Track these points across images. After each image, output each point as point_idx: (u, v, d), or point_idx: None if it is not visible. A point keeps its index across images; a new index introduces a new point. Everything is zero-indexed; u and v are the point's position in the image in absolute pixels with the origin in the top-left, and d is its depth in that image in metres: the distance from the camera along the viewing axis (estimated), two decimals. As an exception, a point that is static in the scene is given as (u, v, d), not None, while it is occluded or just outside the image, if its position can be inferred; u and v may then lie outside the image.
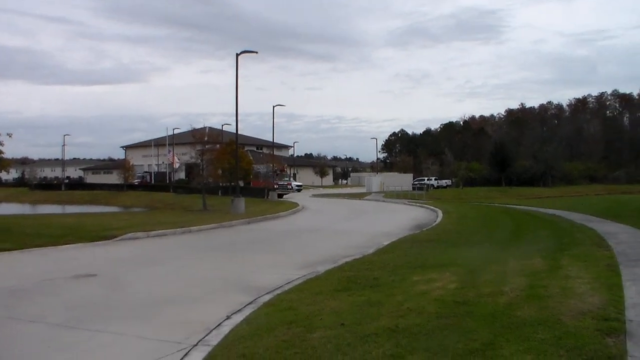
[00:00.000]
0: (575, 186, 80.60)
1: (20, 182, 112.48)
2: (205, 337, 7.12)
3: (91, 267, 13.05)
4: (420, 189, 66.38)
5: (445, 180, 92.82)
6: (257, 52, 34.92)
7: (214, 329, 7.55)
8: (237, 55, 33.75)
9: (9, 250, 15.52)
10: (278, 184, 65.73)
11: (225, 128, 64.54)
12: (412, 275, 11.03)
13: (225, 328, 7.53)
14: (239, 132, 37.89)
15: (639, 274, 10.67)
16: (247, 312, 8.48)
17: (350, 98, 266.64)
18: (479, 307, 8.19)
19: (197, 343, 6.86)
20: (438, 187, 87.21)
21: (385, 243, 17.17)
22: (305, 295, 9.50)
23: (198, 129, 46.18)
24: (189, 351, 6.54)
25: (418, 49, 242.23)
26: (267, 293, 9.91)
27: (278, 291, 10.08)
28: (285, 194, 65.91)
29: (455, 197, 60.02)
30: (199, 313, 8.57)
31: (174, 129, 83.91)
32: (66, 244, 17.27)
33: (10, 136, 26.39)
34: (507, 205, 40.98)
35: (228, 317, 8.19)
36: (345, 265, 12.92)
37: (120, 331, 7.56)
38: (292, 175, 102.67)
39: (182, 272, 13.18)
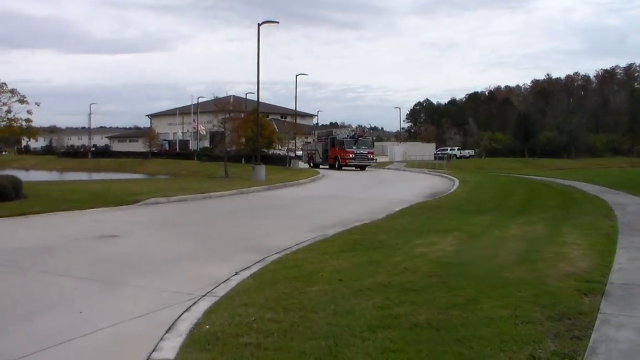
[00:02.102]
0: (599, 158, 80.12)
1: (48, 150, 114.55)
2: (214, 289, 7.80)
3: (114, 229, 13.81)
4: (441, 158, 66.46)
5: (468, 151, 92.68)
6: (278, 22, 35.44)
7: (222, 282, 8.23)
8: (259, 25, 34.24)
9: (38, 213, 16.30)
10: (355, 154, 52.56)
11: (249, 97, 65.21)
12: (415, 239, 11.61)
13: (233, 282, 8.21)
14: (263, 101, 38.53)
15: (635, 243, 11.14)
16: (255, 269, 9.14)
17: (376, 67, 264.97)
18: (470, 268, 8.77)
19: (206, 294, 7.55)
20: (461, 157, 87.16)
21: (397, 209, 17.74)
22: (311, 255, 10.14)
23: (221, 98, 46.71)
24: (197, 300, 7.23)
25: (444, 17, 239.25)
26: (276, 253, 10.55)
27: (287, 251, 10.71)
28: (367, 165, 54.79)
29: (476, 167, 60.27)
30: (210, 270, 9.25)
31: (198, 98, 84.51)
32: (91, 208, 18.00)
33: (38, 105, 27.15)
34: (526, 176, 41.26)
35: (237, 273, 8.86)
36: (354, 229, 13.53)
37: (138, 284, 8.29)
38: (303, 144, 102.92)
39: (199, 234, 13.91)
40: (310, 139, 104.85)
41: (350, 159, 52.85)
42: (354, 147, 52.93)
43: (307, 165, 58.75)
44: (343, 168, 52.58)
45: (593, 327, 5.85)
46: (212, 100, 46.71)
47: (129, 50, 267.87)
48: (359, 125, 61.36)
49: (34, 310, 6.92)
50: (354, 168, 53.07)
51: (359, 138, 54.28)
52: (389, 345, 5.30)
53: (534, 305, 6.52)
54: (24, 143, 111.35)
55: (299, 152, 76.78)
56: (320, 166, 55.10)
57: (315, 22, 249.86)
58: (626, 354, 5.17)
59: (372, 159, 55.43)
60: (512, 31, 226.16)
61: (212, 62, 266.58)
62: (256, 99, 39.52)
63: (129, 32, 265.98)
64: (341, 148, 53.13)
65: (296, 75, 61.31)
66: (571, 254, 9.66)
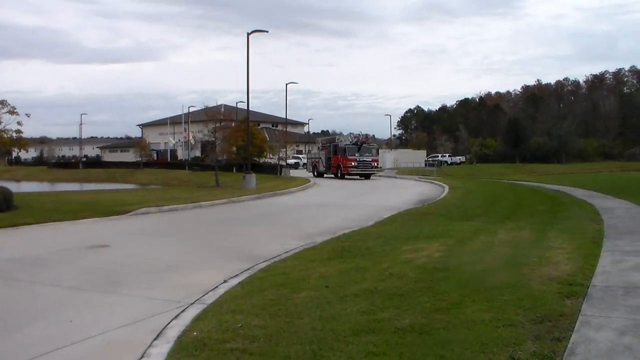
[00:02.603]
0: (589, 163, 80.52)
1: (39, 161, 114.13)
2: (202, 297, 7.94)
3: (105, 239, 13.91)
4: (432, 165, 66.71)
5: (459, 157, 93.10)
6: (267, 32, 35.65)
7: (210, 290, 8.37)
8: (248, 34, 34.44)
9: (29, 224, 16.39)
10: (357, 161, 49.40)
11: (240, 105, 65.25)
12: (402, 245, 11.75)
13: (221, 290, 8.35)
14: (254, 110, 38.75)
15: (619, 246, 11.26)
16: (243, 277, 9.29)
17: (367, 74, 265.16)
18: (456, 273, 8.90)
19: (194, 302, 7.68)
20: (452, 163, 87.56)
21: (386, 216, 17.91)
22: (299, 262, 10.29)
23: (211, 107, 46.87)
24: (185, 308, 7.36)
25: (435, 24, 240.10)
26: (265, 261, 10.69)
27: (276, 259, 10.86)
28: (372, 174, 52.18)
29: (467, 174, 60.54)
30: (199, 278, 9.37)
31: (189, 107, 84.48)
32: (82, 218, 18.10)
33: (28, 116, 27.32)
34: (516, 182, 41.45)
35: (225, 281, 9.00)
36: (342, 236, 13.67)
37: (128, 292, 8.40)
38: (306, 152, 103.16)
39: (189, 243, 14.00)
40: (303, 147, 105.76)
41: (353, 167, 49.79)
42: (356, 155, 49.94)
43: (301, 173, 58.28)
44: (346, 177, 49.93)
45: (573, 328, 5.96)
46: (202, 109, 46.80)
47: (121, 60, 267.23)
48: (360, 133, 54.64)
49: (24, 320, 7.03)
50: (358, 177, 50.26)
51: (362, 145, 50.90)
52: (371, 349, 5.43)
53: (517, 309, 6.63)
54: (14, 154, 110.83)
55: (290, 161, 76.88)
56: (325, 175, 53.12)
57: (306, 30, 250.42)
58: (604, 354, 5.29)
59: (377, 167, 52.79)
60: (503, 37, 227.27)
61: (203, 71, 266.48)
62: (247, 108, 39.60)
63: (120, 42, 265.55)
64: (343, 156, 50.04)
65: (286, 84, 61.42)
66: (556, 258, 9.79)
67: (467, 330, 5.96)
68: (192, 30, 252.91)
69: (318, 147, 60.33)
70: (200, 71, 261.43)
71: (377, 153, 54.87)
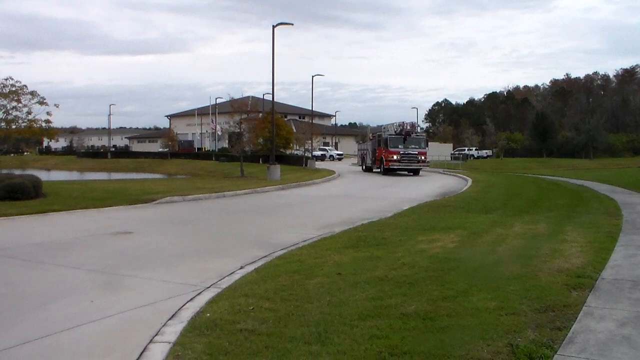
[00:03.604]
0: (618, 158, 79.45)
1: (68, 151, 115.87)
2: (218, 282, 8.25)
3: (129, 226, 14.32)
4: (457, 158, 66.44)
5: (486, 151, 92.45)
6: (292, 24, 35.80)
7: (227, 275, 8.68)
8: (274, 27, 34.68)
9: (57, 211, 16.87)
10: (400, 155, 42.63)
11: (267, 97, 65.62)
12: (418, 236, 11.95)
13: (237, 275, 8.65)
14: (281, 101, 39.17)
15: (635, 240, 11.29)
16: (260, 263, 9.58)
17: (395, 67, 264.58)
18: (467, 263, 9.08)
19: (210, 286, 8.00)
20: (478, 157, 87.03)
21: (405, 208, 18.10)
22: (315, 250, 10.54)
23: (238, 99, 47.21)
24: (201, 292, 7.67)
25: (464, 17, 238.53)
26: (282, 249, 10.98)
27: (292, 248, 11.13)
28: (419, 169, 44.38)
29: (492, 168, 60.25)
30: (217, 264, 9.68)
31: (216, 99, 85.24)
32: (108, 206, 18.58)
33: (57, 107, 27.80)
34: (541, 176, 41.34)
35: (242, 267, 9.30)
36: (360, 226, 13.89)
37: (147, 276, 8.73)
38: (333, 144, 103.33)
39: (210, 231, 14.38)
40: (330, 140, 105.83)
41: (395, 161, 42.82)
42: (400, 147, 42.89)
43: (327, 165, 57.87)
44: (389, 172, 43.32)
45: (576, 319, 6.10)
46: (229, 101, 47.18)
47: (149, 51, 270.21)
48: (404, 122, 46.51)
49: (48, 299, 7.41)
50: (406, 173, 44.12)
51: (408, 135, 43.72)
52: (375, 332, 5.66)
53: (522, 298, 6.80)
54: (45, 144, 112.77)
55: (316, 153, 77.02)
56: (373, 170, 47.43)
57: (334, 22, 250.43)
58: (601, 343, 5.43)
59: (424, 161, 44.68)
60: (532, 31, 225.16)
61: (231, 63, 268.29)
62: (275, 100, 39.95)
63: (148, 33, 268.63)
64: (385, 148, 43.43)
65: (312, 76, 61.84)
66: (568, 251, 9.89)
67: (470, 317, 6.14)
68: (220, 22, 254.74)
69: (368, 138, 55.59)
70: (228, 63, 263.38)
71: (426, 145, 46.07)
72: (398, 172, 43.77)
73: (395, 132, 44.36)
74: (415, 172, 44.00)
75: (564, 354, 5.16)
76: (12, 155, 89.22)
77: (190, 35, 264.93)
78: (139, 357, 5.22)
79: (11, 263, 9.75)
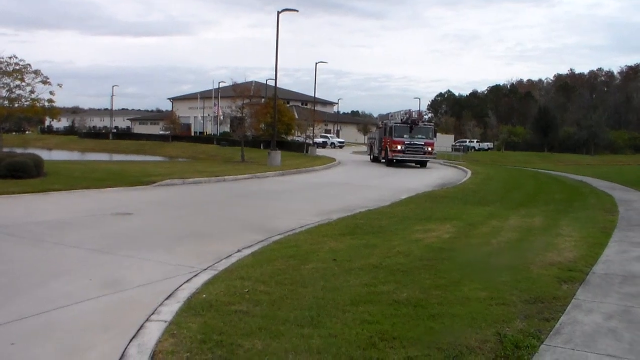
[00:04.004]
0: (619, 155, 79.50)
1: (70, 131, 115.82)
2: (215, 264, 8.38)
3: (128, 207, 14.43)
4: (458, 150, 66.49)
5: (487, 143, 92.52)
6: (297, 11, 35.79)
7: (224, 258, 8.82)
8: (278, 13, 34.68)
9: (58, 190, 16.98)
10: (405, 145, 39.65)
11: (270, 83, 65.55)
12: (414, 226, 12.07)
13: (234, 258, 8.79)
14: (284, 87, 39.25)
15: (629, 237, 11.41)
16: (256, 247, 9.72)
17: (399, 57, 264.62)
18: (460, 253, 9.22)
19: (207, 268, 8.14)
20: (479, 149, 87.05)
21: (403, 197, 18.22)
22: (312, 236, 10.67)
23: (240, 84, 47.21)
24: (198, 273, 7.81)
25: (469, 9, 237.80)
26: (279, 234, 11.11)
27: (290, 233, 11.27)
28: (425, 160, 41.32)
29: (492, 160, 60.38)
30: (215, 247, 9.81)
31: (219, 83, 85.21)
32: (109, 187, 18.68)
33: (60, 86, 27.98)
34: (541, 170, 41.44)
35: (239, 251, 9.44)
36: (358, 214, 14.03)
37: (145, 257, 8.86)
38: (335, 131, 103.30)
39: (209, 214, 14.52)
40: (332, 127, 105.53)
41: (398, 151, 39.74)
42: (405, 137, 39.87)
43: (329, 152, 57.49)
44: (393, 164, 40.65)
45: (564, 311, 6.23)
46: (231, 85, 47.17)
47: (153, 33, 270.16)
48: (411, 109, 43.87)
49: (48, 277, 7.53)
50: (414, 164, 41.38)
51: (414, 124, 40.54)
52: (366, 318, 5.78)
53: (512, 289, 6.92)
54: (47, 123, 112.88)
55: (318, 140, 76.93)
56: (381, 160, 44.20)
57: (339, 10, 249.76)
58: (587, 335, 5.55)
59: (430, 153, 41.14)
60: (537, 25, 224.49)
61: (235, 48, 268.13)
62: (278, 86, 40.03)
63: (152, 15, 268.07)
64: (390, 137, 40.67)
65: (315, 63, 62.04)
66: (562, 245, 10.01)
67: (460, 306, 6.27)
68: (224, 6, 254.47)
69: (377, 127, 53.74)
70: (232, 47, 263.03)
71: (434, 135, 42.83)
72: (403, 163, 40.80)
73: (401, 120, 41.44)
74: (422, 164, 41.15)
75: (550, 344, 5.27)
76: (14, 133, 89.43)
77: (194, 18, 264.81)
78: (135, 335, 5.34)
79: (11, 241, 9.87)
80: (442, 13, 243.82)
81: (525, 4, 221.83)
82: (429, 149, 40.61)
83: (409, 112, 42.47)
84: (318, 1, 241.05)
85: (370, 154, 50.21)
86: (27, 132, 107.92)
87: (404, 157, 40.18)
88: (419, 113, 44.50)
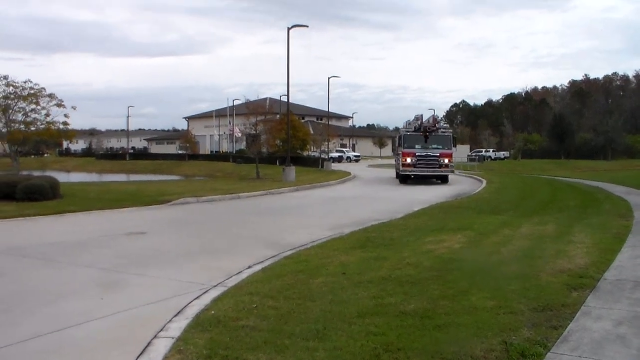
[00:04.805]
0: (637, 160, 78.52)
1: (87, 153, 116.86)
2: (225, 281, 8.45)
3: (142, 226, 14.61)
4: (473, 160, 66.26)
5: (503, 152, 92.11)
6: (307, 26, 35.97)
7: (234, 275, 8.88)
8: (289, 29, 34.96)
9: (74, 212, 17.19)
10: (416, 157, 33.50)
11: (284, 99, 65.85)
12: (426, 237, 12.08)
13: (244, 274, 8.85)
14: (299, 103, 39.42)
15: (643, 242, 11.34)
16: (267, 263, 9.78)
17: (414, 68, 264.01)
18: (470, 263, 9.23)
19: (217, 284, 8.21)
20: (495, 158, 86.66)
21: (416, 209, 18.22)
22: (323, 251, 10.71)
23: (253, 101, 47.57)
24: (208, 290, 7.88)
25: (482, 18, 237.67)
26: (291, 249, 11.15)
27: (301, 248, 11.30)
28: (441, 175, 34.85)
29: (509, 169, 59.98)
30: (226, 263, 9.89)
31: (234, 100, 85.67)
32: (124, 207, 18.89)
33: (74, 109, 28.38)
34: (557, 178, 41.12)
35: (249, 267, 9.50)
36: (370, 227, 14.02)
37: (157, 275, 8.98)
38: (350, 145, 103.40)
39: (222, 231, 14.64)
40: (347, 141, 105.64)
41: (408, 165, 34.01)
42: (417, 147, 33.97)
43: (345, 167, 57.41)
44: (405, 181, 34.87)
45: (573, 318, 6.20)
46: (245, 103, 47.50)
47: (168, 53, 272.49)
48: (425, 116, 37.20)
49: (59, 296, 7.69)
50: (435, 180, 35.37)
51: (429, 132, 34.14)
52: (372, 330, 5.81)
53: (521, 298, 6.91)
54: (64, 145, 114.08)
55: (333, 154, 77.09)
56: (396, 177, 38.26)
57: (352, 23, 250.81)
58: (595, 342, 5.52)
59: (447, 165, 34.50)
60: (551, 31, 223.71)
61: (250, 64, 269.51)
62: (295, 102, 40.28)
63: (167, 35, 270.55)
64: (401, 149, 35.25)
65: (328, 78, 62.01)
66: (573, 252, 9.96)
67: (468, 315, 6.27)
68: (238, 24, 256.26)
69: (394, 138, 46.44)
70: (247, 64, 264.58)
71: (453, 144, 36.04)
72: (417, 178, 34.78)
73: (415, 128, 34.89)
74: (442, 180, 35.24)
75: (557, 352, 5.26)
76: (32, 156, 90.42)
77: (209, 37, 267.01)
78: (143, 351, 5.42)
79: (26, 262, 10.04)
80: (456, 23, 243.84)
81: (539, 10, 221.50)
82: (446, 160, 34.20)
83: (420, 118, 35.73)
84: (331, 15, 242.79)
85: (396, 170, 40.12)
86: (45, 154, 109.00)
87: (414, 171, 34.23)
88: (434, 118, 37.00)
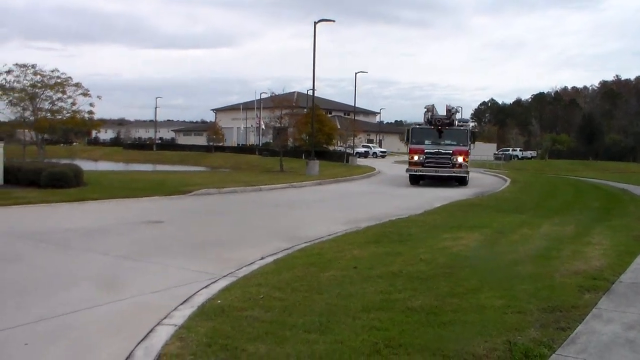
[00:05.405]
0: (668, 162, 77.41)
1: (115, 142, 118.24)
2: (236, 271, 8.48)
3: (161, 215, 14.71)
4: (499, 159, 65.63)
5: (530, 152, 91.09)
6: (334, 21, 36.00)
7: (245, 265, 8.90)
8: (315, 23, 34.98)
9: (95, 199, 17.42)
10: (426, 155, 29.29)
11: (316, 94, 65.92)
12: (443, 234, 11.96)
13: (255, 266, 8.87)
14: (327, 98, 39.26)
15: (665, 244, 11.10)
16: (280, 255, 9.78)
17: (443, 65, 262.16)
18: (484, 261, 9.14)
19: (227, 275, 8.24)
20: (522, 158, 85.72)
21: (437, 205, 18.10)
22: (337, 244, 10.68)
23: (278, 95, 47.65)
24: (217, 280, 7.91)
25: (513, 17, 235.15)
26: (306, 242, 11.13)
27: (316, 241, 11.29)
28: (460, 177, 29.56)
29: (535, 169, 59.38)
30: (239, 254, 9.91)
31: (261, 94, 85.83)
32: (145, 196, 19.07)
33: (100, 98, 28.80)
34: (583, 179, 40.54)
35: (262, 258, 9.51)
36: (388, 222, 13.96)
37: (169, 263, 9.05)
38: (377, 141, 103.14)
39: (239, 222, 14.71)
40: (374, 137, 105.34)
41: (416, 164, 29.89)
42: (427, 143, 29.80)
43: (371, 162, 57.28)
44: (414, 183, 30.72)
45: (582, 320, 6.07)
46: (271, 97, 47.59)
47: (198, 45, 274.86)
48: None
49: (70, 282, 7.79)
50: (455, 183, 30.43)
51: (441, 126, 29.49)
52: (376, 324, 5.77)
53: (531, 298, 6.78)
54: (93, 135, 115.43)
55: (359, 149, 77.05)
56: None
57: (382, 20, 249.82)
58: (603, 345, 5.40)
59: (461, 165, 29.52)
60: (582, 31, 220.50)
61: (279, 58, 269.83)
62: (320, 96, 40.31)
63: (197, 27, 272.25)
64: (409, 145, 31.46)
65: (355, 73, 62.03)
66: (590, 253, 9.79)
67: (474, 314, 6.19)
68: (267, 18, 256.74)
69: None
70: (276, 58, 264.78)
71: (470, 140, 30.48)
72: (427, 179, 30.96)
73: (426, 120, 30.44)
74: (459, 182, 30.16)
75: (562, 354, 5.16)
76: (61, 145, 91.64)
77: (238, 30, 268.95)
78: (144, 337, 5.46)
79: (43, 247, 10.21)
80: (486, 21, 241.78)
81: (570, 10, 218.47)
82: (460, 159, 29.32)
83: (431, 109, 30.57)
84: (361, 11, 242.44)
85: None
86: (74, 143, 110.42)
87: (422, 171, 30.14)
88: (448, 109, 30.87)
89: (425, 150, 29.43)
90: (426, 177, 30.53)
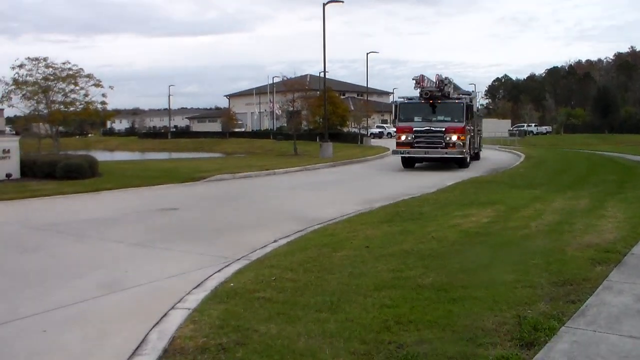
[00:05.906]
0: (684, 134, 76.49)
1: (130, 132, 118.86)
2: (249, 254, 8.59)
3: (175, 203, 14.88)
4: (513, 135, 65.25)
5: (545, 127, 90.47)
6: (342, 2, 35.69)
7: (259, 248, 9.03)
8: (324, 5, 34.81)
9: (110, 189, 17.59)
10: (415, 134, 25.52)
11: (328, 76, 65.74)
12: (455, 211, 12.00)
13: (269, 248, 8.99)
14: (340, 79, 39.22)
15: (679, 216, 11.04)
16: (293, 237, 9.90)
17: (456, 43, 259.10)
18: (495, 237, 9.15)
19: (240, 258, 8.36)
20: (537, 133, 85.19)
21: (449, 183, 18.11)
22: (350, 225, 10.78)
23: (290, 78, 47.53)
24: (230, 263, 8.04)
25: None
26: (319, 224, 11.24)
27: (330, 222, 11.38)
28: (456, 159, 25.87)
29: (550, 144, 59.09)
30: (252, 238, 10.03)
31: (273, 78, 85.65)
32: (160, 184, 19.24)
33: (112, 88, 28.93)
34: (599, 152, 40.26)
35: (275, 241, 9.63)
36: (400, 202, 14.04)
37: (183, 249, 9.18)
38: (391, 121, 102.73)
39: (253, 206, 14.81)
40: (388, 117, 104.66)
41: (404, 144, 26.52)
42: (416, 120, 26.39)
43: (385, 143, 57.32)
44: (407, 166, 27.66)
45: (593, 292, 6.08)
46: (283, 80, 47.53)
47: (209, 32, 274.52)
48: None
49: (86, 269, 7.96)
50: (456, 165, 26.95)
51: (432, 99, 26.10)
52: (386, 302, 5.84)
53: (542, 272, 6.80)
54: (108, 125, 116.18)
55: (374, 130, 76.97)
56: None
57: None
58: (613, 316, 5.40)
59: (455, 145, 25.71)
60: (597, 2, 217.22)
61: (290, 42, 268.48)
62: (333, 78, 40.28)
63: (208, 14, 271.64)
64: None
65: (367, 53, 61.94)
66: (603, 226, 9.76)
67: (485, 289, 6.22)
68: (278, 1, 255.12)
69: None
70: (288, 42, 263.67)
71: (466, 116, 26.42)
72: (419, 162, 28.10)
73: (421, 94, 26.41)
74: (459, 163, 26.56)
75: (571, 326, 5.17)
76: (77, 137, 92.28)
77: (250, 14, 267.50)
78: (158, 321, 5.57)
79: (59, 237, 10.37)
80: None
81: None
82: (453, 138, 25.57)
83: (422, 80, 26.35)
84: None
85: None
86: (89, 135, 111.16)
87: (411, 153, 26.53)
88: (440, 79, 27.00)
89: (414, 129, 25.98)
90: (416, 159, 27.47)
